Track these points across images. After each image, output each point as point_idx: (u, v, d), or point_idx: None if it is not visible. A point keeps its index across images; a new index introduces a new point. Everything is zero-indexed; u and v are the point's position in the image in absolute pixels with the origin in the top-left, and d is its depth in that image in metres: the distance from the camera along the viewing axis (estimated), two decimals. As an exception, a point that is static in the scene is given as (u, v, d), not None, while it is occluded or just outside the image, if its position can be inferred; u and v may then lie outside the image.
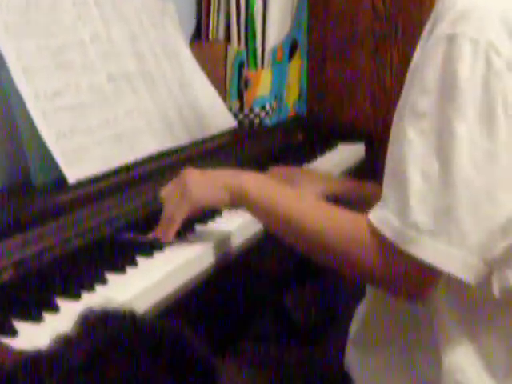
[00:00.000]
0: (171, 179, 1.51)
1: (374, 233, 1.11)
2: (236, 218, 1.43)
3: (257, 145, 1.97)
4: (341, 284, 1.56)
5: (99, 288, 1.16)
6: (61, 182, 1.38)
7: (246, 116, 2.07)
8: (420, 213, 1.06)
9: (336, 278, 1.45)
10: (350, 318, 1.33)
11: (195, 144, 1.76)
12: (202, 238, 1.35)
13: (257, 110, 2.08)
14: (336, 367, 1.31)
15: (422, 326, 1.20)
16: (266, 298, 1.66)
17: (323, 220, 1.17)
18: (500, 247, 1.07)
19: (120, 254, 1.27)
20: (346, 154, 2.13)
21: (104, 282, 1.18)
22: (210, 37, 2.12)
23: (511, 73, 1.05)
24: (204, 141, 1.80)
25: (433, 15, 1.15)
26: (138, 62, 1.69)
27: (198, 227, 1.41)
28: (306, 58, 2.35)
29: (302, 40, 2.31)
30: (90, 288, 1.15)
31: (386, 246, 1.10)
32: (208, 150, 1.77)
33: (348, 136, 2.22)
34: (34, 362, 0.66)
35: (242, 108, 2.07)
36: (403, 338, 1.23)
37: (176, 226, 1.31)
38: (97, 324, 0.68)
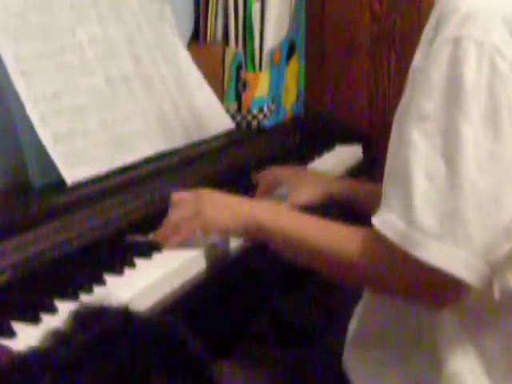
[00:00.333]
0: (170, 181, 1.51)
1: (379, 237, 1.10)
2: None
3: (255, 146, 1.97)
4: (338, 285, 1.56)
5: (97, 289, 1.16)
6: (59, 183, 1.38)
7: (244, 118, 2.07)
8: (425, 215, 1.06)
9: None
10: (347, 318, 1.33)
11: (193, 146, 1.77)
12: (200, 239, 1.35)
13: (255, 111, 2.08)
14: (334, 368, 1.31)
15: (421, 328, 1.20)
16: (263, 298, 1.66)
17: (333, 240, 1.17)
18: (504, 249, 1.07)
19: (118, 255, 1.27)
20: (343, 156, 2.13)
21: (102, 283, 1.18)
22: (208, 39, 2.13)
23: None
24: (202, 143, 1.80)
25: (434, 17, 1.15)
26: (135, 64, 1.70)
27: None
28: (303, 59, 2.35)
29: (300, 42, 2.31)
30: (88, 289, 1.16)
31: (391, 250, 1.09)
32: (206, 152, 1.78)
33: (346, 137, 2.22)
34: (27, 359, 0.67)
35: (239, 110, 2.07)
36: (401, 338, 1.23)
37: (181, 238, 1.31)
38: (90, 319, 0.68)
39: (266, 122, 2.10)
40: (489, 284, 1.10)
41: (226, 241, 1.39)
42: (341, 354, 1.31)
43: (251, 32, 2.10)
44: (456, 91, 1.06)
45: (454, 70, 1.06)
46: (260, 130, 2.07)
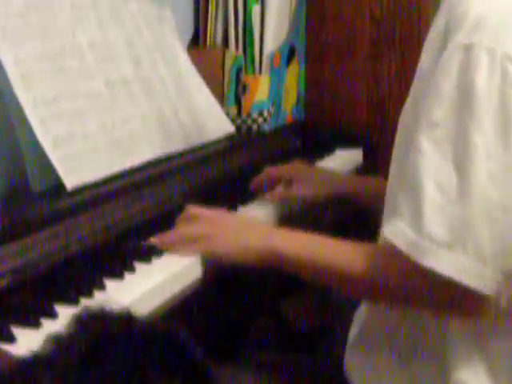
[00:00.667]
0: (169, 184, 1.51)
1: (388, 247, 1.10)
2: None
3: (255, 150, 1.97)
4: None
5: (97, 294, 1.16)
6: (59, 188, 1.38)
7: (244, 121, 2.07)
8: (435, 224, 1.05)
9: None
10: (349, 322, 1.33)
11: (193, 150, 1.76)
12: None
13: (255, 115, 2.08)
14: (335, 372, 1.31)
15: (425, 333, 1.20)
16: (264, 303, 1.65)
17: (352, 259, 1.16)
18: None
19: (118, 259, 1.27)
20: (344, 160, 2.12)
21: (102, 287, 1.18)
22: (208, 42, 2.12)
23: None
24: (202, 146, 1.80)
25: (440, 21, 1.13)
26: (135, 68, 1.69)
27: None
28: (303, 63, 2.35)
29: (300, 45, 2.31)
30: (89, 294, 1.15)
31: (401, 260, 1.08)
32: (206, 156, 1.77)
33: (346, 141, 2.22)
34: (27, 363, 0.66)
35: (239, 113, 2.07)
36: (405, 343, 1.22)
37: (182, 254, 1.29)
38: (91, 323, 0.68)
39: (266, 126, 2.10)
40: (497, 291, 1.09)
41: None
42: (342, 358, 1.30)
43: (251, 35, 2.10)
44: (467, 99, 1.05)
45: (465, 77, 1.06)
46: (260, 133, 2.07)
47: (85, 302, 1.13)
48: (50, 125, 1.40)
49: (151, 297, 1.19)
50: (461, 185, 1.05)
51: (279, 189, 1.64)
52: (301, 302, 1.65)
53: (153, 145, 1.63)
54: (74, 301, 1.12)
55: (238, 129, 2.03)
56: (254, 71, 2.10)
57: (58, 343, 0.67)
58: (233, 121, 2.01)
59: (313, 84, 2.38)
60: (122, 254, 1.30)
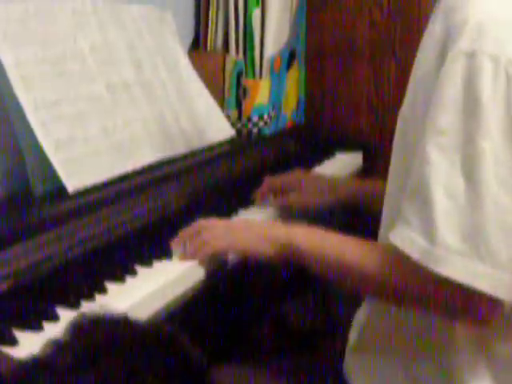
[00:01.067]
0: (170, 188, 1.51)
1: (399, 254, 1.09)
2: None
3: (255, 154, 1.97)
4: (339, 291, 1.56)
5: (99, 297, 1.16)
6: (60, 191, 1.38)
7: (245, 125, 2.07)
8: (447, 231, 1.05)
9: (334, 285, 1.45)
10: (348, 325, 1.33)
11: (194, 153, 1.77)
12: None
13: (255, 119, 2.08)
14: (335, 375, 1.31)
15: (424, 337, 1.20)
16: (264, 305, 1.66)
17: (366, 258, 1.16)
18: None
19: (119, 263, 1.27)
20: (343, 163, 2.13)
21: (103, 291, 1.18)
22: (209, 46, 2.13)
23: None
24: (202, 150, 1.80)
25: (439, 25, 1.13)
26: (136, 72, 1.70)
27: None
28: (303, 67, 2.36)
29: (300, 49, 2.32)
30: (90, 297, 1.15)
31: (412, 267, 1.08)
32: (206, 160, 1.78)
33: (346, 145, 2.22)
34: (27, 366, 0.67)
35: (240, 117, 2.08)
36: (403, 347, 1.22)
37: (207, 254, 1.30)
38: (89, 327, 0.69)
39: (267, 130, 2.10)
40: None
41: None
42: (342, 361, 1.31)
43: (251, 39, 2.10)
44: (473, 105, 1.05)
45: (470, 84, 1.05)
46: (260, 137, 2.08)
47: (86, 305, 1.13)
48: (51, 128, 1.41)
49: (152, 300, 1.19)
50: (470, 191, 1.04)
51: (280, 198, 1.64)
52: (301, 304, 1.66)
53: (153, 148, 1.64)
54: (75, 304, 1.13)
55: (239, 132, 2.03)
56: (254, 75, 2.10)
57: (56, 347, 0.68)
58: (233, 124, 2.01)
59: (313, 88, 2.38)
60: (123, 257, 1.30)
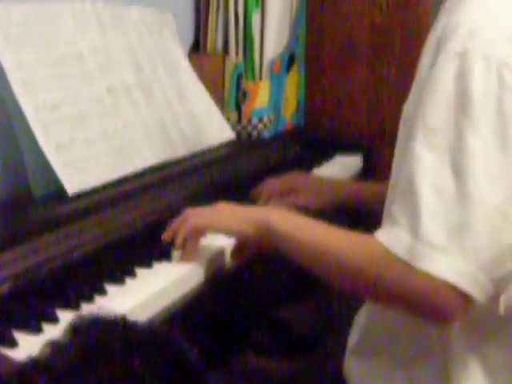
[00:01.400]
0: (170, 190, 1.51)
1: (386, 251, 1.09)
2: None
3: (255, 157, 1.97)
4: (338, 294, 1.56)
5: (98, 299, 1.16)
6: (60, 193, 1.38)
7: (244, 128, 2.08)
8: (433, 228, 1.05)
9: (333, 288, 1.45)
10: (348, 327, 1.33)
11: (193, 156, 1.77)
12: (200, 250, 1.35)
13: (255, 121, 2.08)
14: (335, 378, 1.31)
15: (426, 340, 1.20)
16: (264, 308, 1.66)
17: (344, 246, 1.15)
18: (509, 265, 1.06)
19: (119, 265, 1.27)
20: (343, 166, 2.13)
21: (103, 293, 1.18)
22: (209, 49, 2.13)
23: None
24: (202, 153, 1.81)
25: (436, 33, 1.14)
26: (136, 74, 1.70)
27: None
28: (303, 70, 2.36)
29: (300, 52, 2.32)
30: (90, 299, 1.16)
31: (399, 264, 1.08)
32: (206, 162, 1.78)
33: (345, 148, 2.22)
34: (25, 367, 0.67)
35: (240, 120, 2.08)
36: (403, 350, 1.22)
37: (188, 230, 1.30)
38: (87, 329, 0.69)
39: (266, 132, 2.10)
40: (495, 299, 1.09)
41: (225, 252, 1.38)
42: (342, 364, 1.31)
43: (251, 42, 2.10)
44: (464, 104, 1.06)
45: (461, 83, 1.06)
46: (260, 139, 2.08)
47: (86, 307, 1.13)
48: (52, 130, 1.41)
49: (152, 302, 1.19)
50: (459, 189, 1.05)
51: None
52: (300, 307, 1.66)
53: (153, 151, 1.64)
54: (75, 306, 1.13)
55: (238, 135, 2.03)
56: (254, 78, 2.10)
57: (54, 348, 0.68)
58: (233, 127, 2.01)
59: (312, 91, 2.39)
60: (122, 259, 1.30)
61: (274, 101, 2.16)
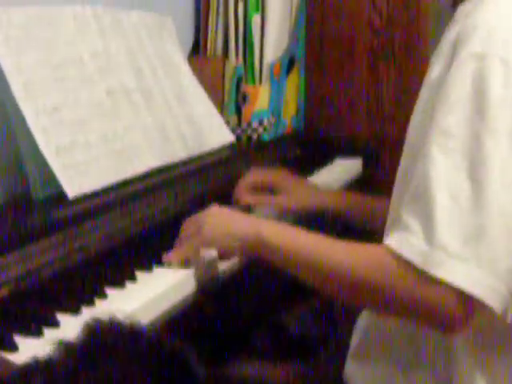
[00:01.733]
0: (170, 194, 1.51)
1: (397, 258, 1.06)
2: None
3: (255, 160, 1.97)
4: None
5: (99, 303, 1.16)
6: (60, 197, 1.38)
7: (244, 131, 2.08)
8: (448, 235, 1.03)
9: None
10: (349, 331, 1.33)
11: (193, 159, 1.77)
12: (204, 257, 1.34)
13: (255, 125, 2.08)
14: (336, 381, 1.31)
15: (425, 344, 1.19)
16: (264, 311, 1.66)
17: (344, 256, 1.13)
18: None
19: (119, 268, 1.27)
20: (343, 169, 2.13)
21: (103, 296, 1.18)
22: (208, 52, 2.13)
23: None
24: (202, 156, 1.81)
25: (453, 32, 1.14)
26: (136, 77, 1.70)
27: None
28: (303, 73, 2.36)
29: (300, 55, 2.32)
30: (90, 303, 1.15)
31: (411, 271, 1.05)
32: (206, 166, 1.78)
33: (345, 151, 2.23)
34: (27, 369, 0.67)
35: (240, 123, 2.08)
36: (404, 353, 1.22)
37: (181, 253, 1.30)
38: (99, 333, 0.69)
39: (266, 136, 2.10)
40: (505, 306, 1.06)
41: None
42: (342, 367, 1.31)
43: (251, 45, 2.11)
44: (481, 108, 1.04)
45: (479, 86, 1.04)
46: (260, 143, 2.08)
47: (86, 310, 1.13)
48: (52, 134, 1.41)
49: (152, 306, 1.19)
50: (475, 195, 1.02)
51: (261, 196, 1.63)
52: (302, 311, 1.65)
53: (153, 154, 1.64)
54: (75, 309, 1.13)
55: (238, 138, 2.03)
56: (254, 81, 2.10)
57: (61, 350, 0.68)
58: (233, 130, 2.01)
59: (312, 94, 2.39)
60: (123, 262, 1.30)
61: (274, 104, 2.16)
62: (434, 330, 1.14)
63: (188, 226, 1.33)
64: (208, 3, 2.13)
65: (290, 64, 2.25)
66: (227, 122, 2.02)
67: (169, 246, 1.34)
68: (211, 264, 1.31)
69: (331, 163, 2.13)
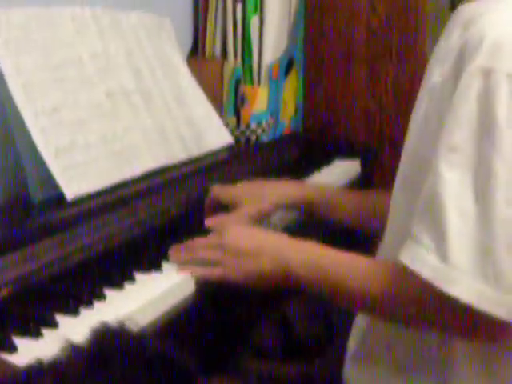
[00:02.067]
0: (169, 195, 1.51)
1: (408, 273, 1.07)
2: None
3: (253, 161, 1.97)
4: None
5: (97, 304, 1.16)
6: (59, 198, 1.38)
7: (243, 132, 2.08)
8: (459, 251, 1.03)
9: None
10: (348, 332, 1.33)
11: (192, 161, 1.77)
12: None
13: (253, 126, 2.08)
14: (335, 382, 1.31)
15: (424, 346, 1.19)
16: (263, 313, 1.66)
17: (362, 277, 1.15)
18: None
19: (118, 269, 1.27)
20: (342, 170, 2.13)
21: (102, 297, 1.18)
22: (207, 53, 2.14)
23: None
24: (201, 157, 1.81)
25: (455, 36, 1.12)
26: (135, 78, 1.70)
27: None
28: (302, 74, 2.36)
29: (298, 57, 2.33)
30: (89, 304, 1.15)
31: (421, 286, 1.06)
32: (205, 167, 1.78)
33: (344, 152, 2.23)
34: (34, 371, 0.67)
35: (238, 124, 2.08)
36: (403, 355, 1.22)
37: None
38: (105, 338, 0.69)
39: (265, 137, 2.10)
40: None
41: None
42: (342, 368, 1.31)
43: (250, 47, 2.11)
44: (487, 125, 1.03)
45: (485, 102, 1.04)
46: (258, 144, 2.08)
47: (85, 312, 1.13)
48: (51, 135, 1.41)
49: (151, 307, 1.19)
50: (481, 212, 1.03)
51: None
52: (301, 312, 1.65)
53: (152, 155, 1.64)
54: (74, 311, 1.13)
55: (237, 140, 2.03)
56: (252, 82, 2.11)
57: (68, 353, 0.68)
58: (231, 132, 2.01)
59: (311, 95, 2.39)
60: (121, 264, 1.30)
61: (273, 105, 2.16)
62: (473, 342, 1.15)
63: (214, 249, 1.30)
64: (207, 4, 2.13)
65: (288, 65, 2.25)
66: (226, 124, 2.02)
67: (168, 248, 1.34)
68: None
69: (330, 164, 2.13)
